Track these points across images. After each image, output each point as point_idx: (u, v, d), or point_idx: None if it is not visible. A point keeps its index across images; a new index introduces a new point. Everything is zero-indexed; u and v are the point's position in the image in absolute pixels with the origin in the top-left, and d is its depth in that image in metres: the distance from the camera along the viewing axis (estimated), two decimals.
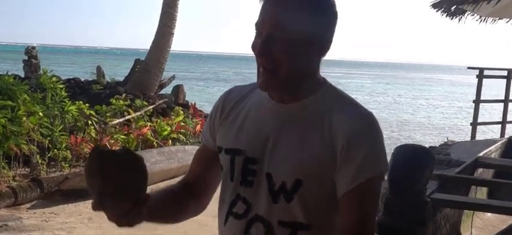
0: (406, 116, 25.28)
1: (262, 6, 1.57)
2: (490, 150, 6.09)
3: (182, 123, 10.53)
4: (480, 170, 5.72)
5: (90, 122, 9.17)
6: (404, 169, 1.84)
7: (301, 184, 1.54)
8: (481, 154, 5.84)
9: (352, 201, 1.51)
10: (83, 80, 14.57)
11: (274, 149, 1.58)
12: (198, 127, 10.70)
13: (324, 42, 1.59)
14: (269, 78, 1.55)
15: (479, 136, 12.45)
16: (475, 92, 11.94)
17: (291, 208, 1.55)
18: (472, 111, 12.13)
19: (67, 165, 8.44)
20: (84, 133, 9.01)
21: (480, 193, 5.48)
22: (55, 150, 8.35)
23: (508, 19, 11.79)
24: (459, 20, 11.91)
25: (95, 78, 14.37)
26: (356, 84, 50.99)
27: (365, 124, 1.54)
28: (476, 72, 11.88)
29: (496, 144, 6.46)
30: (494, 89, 13.18)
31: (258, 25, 1.56)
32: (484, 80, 11.86)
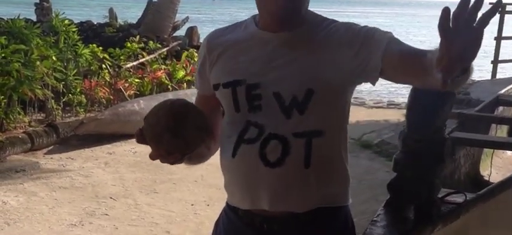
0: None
1: None
2: (511, 88, 5.93)
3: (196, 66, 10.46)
4: (501, 108, 5.59)
5: (103, 66, 9.08)
6: (422, 107, 1.75)
7: (313, 92, 1.61)
8: (502, 92, 5.70)
9: (394, 45, 1.57)
10: (95, 23, 14.41)
11: (276, 69, 1.63)
12: None
13: None
14: (286, 8, 1.61)
15: (500, 75, 12.24)
16: (497, 28, 11.70)
17: (305, 119, 1.62)
18: (492, 49, 11.91)
19: (82, 109, 8.40)
20: (98, 77, 8.93)
21: (500, 132, 5.37)
22: (70, 95, 8.30)
23: None
24: None
25: (108, 21, 14.21)
26: (384, 25, 50.30)
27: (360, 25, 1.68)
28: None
29: None
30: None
31: None
32: (506, 16, 11.59)
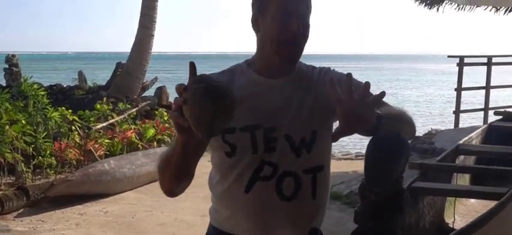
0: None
1: None
2: (470, 137, 6.15)
3: (167, 125, 10.51)
4: (462, 157, 5.77)
5: (73, 128, 9.11)
6: (379, 159, 1.87)
7: (317, 133, 1.89)
8: (461, 142, 5.90)
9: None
10: (65, 85, 14.47)
11: (287, 113, 1.89)
12: None
13: None
14: (298, 53, 1.90)
15: (464, 124, 12.57)
16: (456, 80, 12.07)
17: (312, 156, 1.90)
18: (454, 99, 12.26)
19: (52, 171, 8.38)
20: (68, 139, 8.95)
21: (462, 180, 5.52)
22: (40, 157, 8.29)
23: (486, 6, 11.89)
24: (437, 9, 12.02)
25: (77, 84, 14.28)
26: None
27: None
28: (457, 60, 12.00)
29: (476, 131, 6.53)
30: (477, 75, 13.29)
31: (289, 6, 1.86)
32: (467, 68, 11.99)
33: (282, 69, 1.92)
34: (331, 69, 2.01)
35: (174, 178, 1.87)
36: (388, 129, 1.75)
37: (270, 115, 1.88)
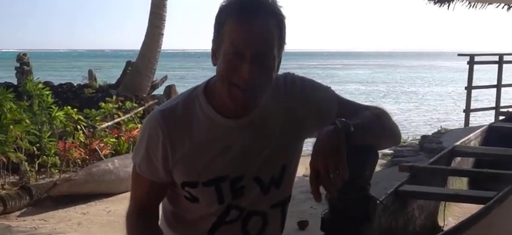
0: (406, 105, 25.34)
1: (239, 28, 1.57)
2: (468, 138, 6.03)
3: None
4: (458, 159, 5.67)
5: (78, 127, 9.17)
6: None
7: (286, 166, 1.75)
8: (458, 143, 5.80)
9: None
10: (75, 84, 14.58)
11: (255, 156, 1.70)
12: None
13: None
14: (254, 99, 1.63)
15: (475, 123, 12.44)
16: (467, 78, 11.96)
17: (281, 191, 1.77)
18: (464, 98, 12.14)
19: (57, 171, 8.43)
20: (73, 138, 9.01)
21: (459, 182, 5.44)
22: (44, 157, 8.35)
23: (498, 4, 11.73)
24: (448, 7, 11.89)
25: (87, 82, 14.39)
26: (361, 76, 50.94)
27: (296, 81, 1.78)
28: (467, 58, 11.89)
29: (475, 132, 6.41)
30: (493, 73, 13.14)
31: (237, 46, 1.57)
32: (482, 65, 11.82)
33: (245, 110, 1.68)
34: (294, 77, 1.77)
35: None
36: (360, 140, 1.64)
37: (237, 163, 1.69)
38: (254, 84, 1.59)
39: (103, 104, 10.44)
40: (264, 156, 1.71)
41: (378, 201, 2.19)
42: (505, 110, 10.78)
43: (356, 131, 1.60)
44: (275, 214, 1.80)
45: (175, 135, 1.69)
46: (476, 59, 12.10)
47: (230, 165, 1.69)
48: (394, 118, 1.88)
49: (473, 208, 4.37)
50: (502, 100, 12.46)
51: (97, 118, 9.97)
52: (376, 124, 1.72)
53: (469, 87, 11.94)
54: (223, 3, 1.62)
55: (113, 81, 14.71)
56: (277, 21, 1.61)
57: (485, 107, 13.81)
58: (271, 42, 1.59)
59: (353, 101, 1.85)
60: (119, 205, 7.31)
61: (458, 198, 4.61)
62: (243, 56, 1.56)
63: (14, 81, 14.03)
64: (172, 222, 1.86)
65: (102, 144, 8.91)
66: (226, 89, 1.60)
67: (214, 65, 1.65)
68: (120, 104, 10.95)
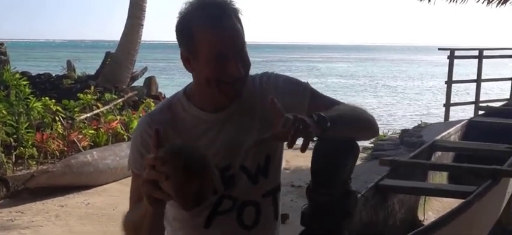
0: (387, 99, 25.49)
1: (213, 33, 1.71)
2: (448, 133, 6.07)
3: None
4: (438, 153, 5.70)
5: (57, 118, 9.05)
6: (324, 161, 1.83)
7: (270, 156, 1.86)
8: (438, 137, 5.83)
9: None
10: (54, 75, 14.40)
11: (239, 145, 1.82)
12: None
13: None
14: (243, 87, 1.77)
15: (455, 117, 12.53)
16: (447, 72, 12.04)
17: (269, 180, 1.87)
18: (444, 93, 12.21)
19: (34, 162, 8.32)
20: (51, 130, 8.90)
21: (439, 176, 5.46)
22: (21, 148, 8.23)
23: None
24: (429, 1, 11.93)
25: (66, 73, 14.22)
26: (342, 69, 51.11)
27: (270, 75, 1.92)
28: (447, 53, 11.96)
29: (455, 126, 6.45)
30: (468, 67, 13.26)
31: (223, 49, 1.70)
32: (463, 60, 11.90)
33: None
34: (270, 74, 1.90)
35: None
36: (338, 132, 1.70)
37: (224, 153, 1.82)
38: (242, 77, 1.75)
39: (82, 95, 10.33)
40: (246, 144, 1.82)
41: (359, 195, 2.17)
42: (484, 104, 10.86)
43: (331, 121, 1.67)
44: (267, 203, 1.90)
45: (165, 132, 1.74)
46: (457, 53, 12.18)
47: (218, 155, 1.79)
48: (375, 112, 1.88)
49: (453, 203, 4.38)
50: (481, 94, 12.56)
51: (76, 109, 9.87)
52: (351, 115, 1.82)
53: (449, 82, 12.02)
54: (183, 16, 1.74)
55: (92, 72, 14.57)
56: (237, 17, 1.75)
57: (465, 101, 13.92)
58: (242, 36, 1.75)
59: (329, 96, 1.95)
60: (98, 197, 7.25)
61: (438, 192, 4.64)
62: (226, 56, 1.70)
63: None
64: (169, 220, 1.90)
65: (80, 136, 8.81)
66: (216, 89, 1.73)
67: (191, 71, 1.78)
68: (99, 95, 10.84)
